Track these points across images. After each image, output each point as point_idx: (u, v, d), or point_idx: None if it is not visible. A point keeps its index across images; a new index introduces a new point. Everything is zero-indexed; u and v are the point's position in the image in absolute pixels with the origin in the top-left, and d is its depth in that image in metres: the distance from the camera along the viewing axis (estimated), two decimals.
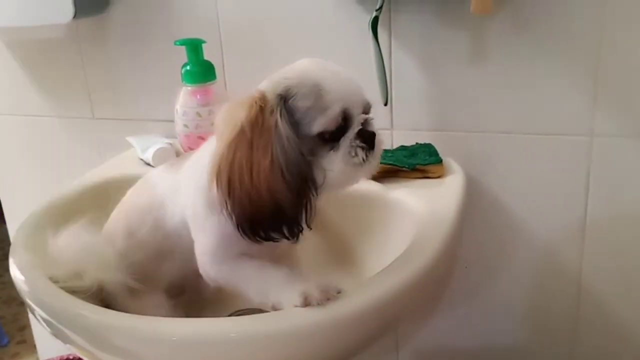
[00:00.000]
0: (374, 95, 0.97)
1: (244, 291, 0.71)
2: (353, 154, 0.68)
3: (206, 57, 1.05)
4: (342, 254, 0.99)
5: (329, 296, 0.66)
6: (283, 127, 0.64)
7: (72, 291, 0.76)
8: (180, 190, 0.78)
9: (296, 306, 0.65)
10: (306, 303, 0.65)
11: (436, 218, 0.85)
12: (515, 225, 1.04)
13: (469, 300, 1.12)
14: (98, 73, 1.21)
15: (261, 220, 0.66)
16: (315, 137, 0.67)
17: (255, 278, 0.71)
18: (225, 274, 0.74)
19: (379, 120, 1.02)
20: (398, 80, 1.02)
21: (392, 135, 1.06)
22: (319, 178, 0.67)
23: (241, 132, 0.64)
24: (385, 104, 1.00)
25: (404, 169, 0.96)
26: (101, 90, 1.22)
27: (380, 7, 0.95)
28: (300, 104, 0.66)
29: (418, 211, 0.87)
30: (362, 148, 0.69)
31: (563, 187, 1.00)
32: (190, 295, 0.90)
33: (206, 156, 0.73)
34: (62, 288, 0.75)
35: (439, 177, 0.97)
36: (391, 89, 1.03)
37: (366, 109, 0.71)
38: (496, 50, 0.96)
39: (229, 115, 0.67)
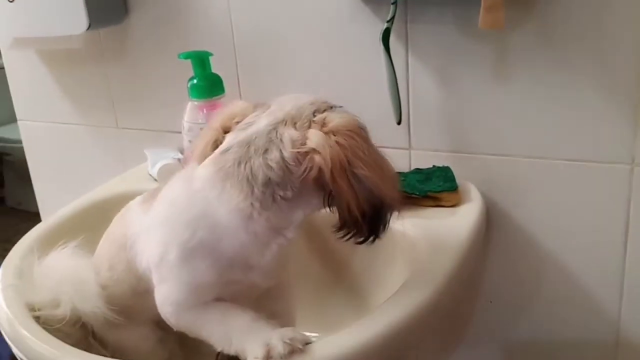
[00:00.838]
0: (386, 113, 0.90)
1: (207, 337, 0.67)
2: None
3: (220, 69, 1.01)
4: (345, 285, 0.92)
5: (294, 349, 0.60)
6: None
7: (47, 320, 0.74)
8: (150, 232, 0.72)
9: (257, 359, 0.60)
10: (268, 356, 0.60)
11: (437, 255, 0.77)
12: (544, 261, 0.93)
13: (493, 337, 1.02)
14: (121, 82, 1.19)
15: None
16: None
17: (219, 324, 0.67)
18: (188, 321, 0.69)
19: (396, 139, 0.97)
20: (416, 97, 0.94)
21: (410, 155, 0.97)
22: None
23: None
24: (399, 123, 0.92)
25: (414, 195, 0.88)
26: (124, 99, 1.20)
27: (392, 19, 0.87)
28: None
29: (419, 246, 0.80)
30: None
31: (599, 221, 0.88)
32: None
33: (181, 196, 0.69)
34: (36, 317, 0.74)
35: (453, 205, 0.88)
36: (408, 106, 0.95)
37: None
38: (522, 67, 0.86)
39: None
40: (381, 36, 0.88)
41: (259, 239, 0.65)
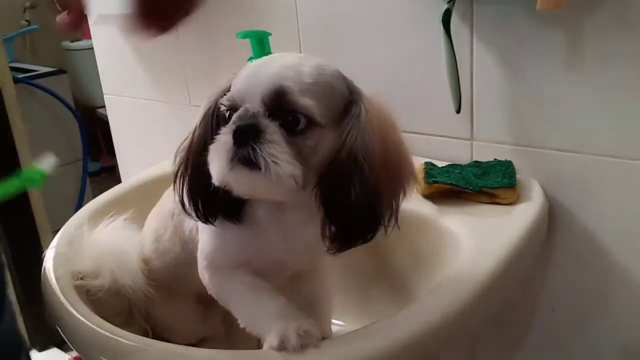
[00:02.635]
0: (447, 100, 0.85)
1: (234, 311, 0.66)
2: (219, 149, 0.58)
3: (285, 50, 0.99)
4: (390, 277, 0.88)
5: (307, 342, 0.58)
6: (209, 103, 0.63)
7: (88, 288, 0.77)
8: None
9: (272, 348, 0.59)
10: (282, 347, 0.58)
11: (482, 255, 0.71)
12: (612, 268, 0.84)
13: (556, 346, 0.94)
14: (193, 61, 1.21)
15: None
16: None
17: (248, 303, 0.66)
18: (219, 283, 0.69)
19: (457, 129, 0.91)
20: (480, 84, 0.87)
21: (471, 146, 0.91)
22: None
23: None
24: (458, 111, 0.86)
25: (467, 190, 0.82)
26: (196, 77, 1.22)
27: (453, 0, 0.81)
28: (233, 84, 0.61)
29: (467, 246, 0.74)
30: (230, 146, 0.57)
31: None
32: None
33: None
34: (78, 285, 0.77)
35: (510, 203, 0.81)
36: (472, 93, 0.88)
37: (268, 104, 0.57)
38: (597, 55, 0.77)
39: None
40: (441, 17, 0.82)
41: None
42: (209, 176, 0.59)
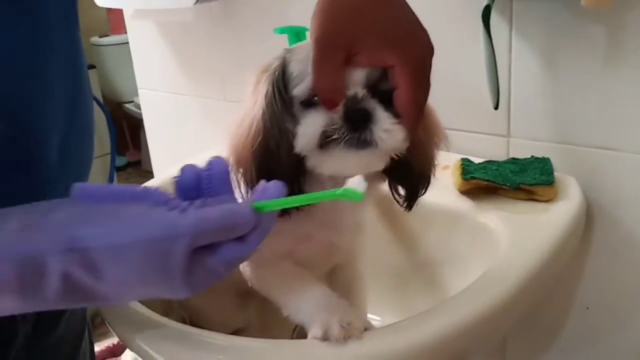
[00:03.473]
0: (484, 96, 0.85)
1: (276, 299, 0.67)
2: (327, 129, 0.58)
3: None
4: (426, 272, 0.89)
5: (350, 334, 0.59)
6: (268, 86, 0.62)
7: None
8: None
9: (315, 338, 0.59)
10: (325, 337, 0.59)
11: (519, 252, 0.71)
12: None
13: (589, 345, 0.94)
14: (228, 56, 1.22)
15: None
16: (298, 103, 0.61)
17: (292, 290, 0.66)
18: (261, 278, 0.70)
19: (494, 125, 0.91)
20: (518, 80, 0.87)
21: (508, 143, 0.91)
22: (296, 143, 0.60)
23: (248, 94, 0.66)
24: (496, 108, 0.86)
25: (504, 186, 0.82)
26: (231, 73, 1.23)
27: None
28: (292, 67, 0.62)
29: (504, 242, 0.74)
30: (341, 127, 0.58)
31: None
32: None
33: None
34: None
35: (547, 200, 0.81)
36: (509, 90, 0.88)
37: (369, 85, 0.59)
38: (638, 53, 0.76)
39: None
40: (481, 13, 0.82)
41: None
42: (279, 160, 0.61)
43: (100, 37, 2.92)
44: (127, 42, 1.40)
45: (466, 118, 0.93)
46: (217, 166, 0.50)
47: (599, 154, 0.83)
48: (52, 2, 0.58)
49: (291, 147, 0.60)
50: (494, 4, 0.82)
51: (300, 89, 0.61)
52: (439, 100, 0.95)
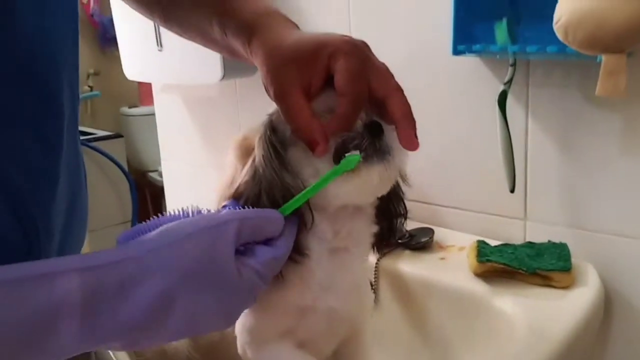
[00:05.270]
0: (501, 179, 0.85)
1: None
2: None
3: None
4: (437, 350, 0.86)
5: None
6: (263, 145, 0.59)
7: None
8: None
9: None
10: None
11: (537, 340, 0.69)
12: None
13: None
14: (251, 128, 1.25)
15: None
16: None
17: None
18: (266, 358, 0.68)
19: (510, 208, 0.91)
20: (534, 164, 0.88)
21: (525, 226, 0.90)
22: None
23: None
24: (512, 191, 0.86)
25: (520, 271, 0.81)
26: None
27: (510, 81, 0.82)
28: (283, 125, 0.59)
29: (521, 328, 0.72)
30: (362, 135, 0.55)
31: None
32: None
33: None
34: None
35: (564, 287, 0.79)
36: (526, 173, 0.88)
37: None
38: None
39: None
40: (497, 98, 0.84)
41: None
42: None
43: (130, 107, 3.01)
44: (154, 114, 1.44)
45: (483, 200, 0.93)
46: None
47: (616, 241, 0.82)
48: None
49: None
50: (510, 89, 0.83)
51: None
52: (456, 181, 0.96)
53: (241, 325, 0.69)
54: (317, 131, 0.54)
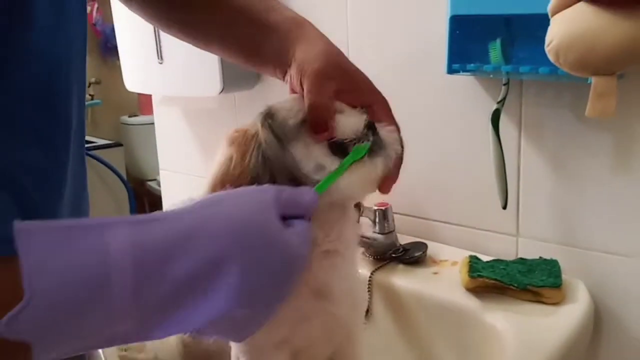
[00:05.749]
0: (494, 196, 0.86)
1: None
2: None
3: None
4: None
5: None
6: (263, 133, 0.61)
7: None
8: None
9: None
10: None
11: (527, 355, 0.70)
12: None
13: None
14: None
15: None
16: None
17: None
18: None
19: (503, 224, 0.92)
20: (527, 182, 0.89)
21: (516, 243, 0.92)
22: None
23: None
24: (504, 207, 0.87)
25: (511, 287, 0.82)
26: None
27: (503, 100, 0.84)
28: (281, 112, 0.63)
29: (511, 343, 0.74)
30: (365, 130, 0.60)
31: None
32: None
33: None
34: (122, 356, 0.79)
35: (555, 303, 0.80)
36: (518, 190, 0.90)
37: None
38: None
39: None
40: (491, 117, 0.85)
41: None
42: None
43: (130, 116, 3.03)
44: (154, 123, 1.46)
45: (476, 215, 0.95)
46: None
47: (607, 258, 0.83)
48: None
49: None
50: (503, 108, 0.85)
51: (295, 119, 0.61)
52: (449, 196, 0.98)
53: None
54: (332, 113, 0.59)
